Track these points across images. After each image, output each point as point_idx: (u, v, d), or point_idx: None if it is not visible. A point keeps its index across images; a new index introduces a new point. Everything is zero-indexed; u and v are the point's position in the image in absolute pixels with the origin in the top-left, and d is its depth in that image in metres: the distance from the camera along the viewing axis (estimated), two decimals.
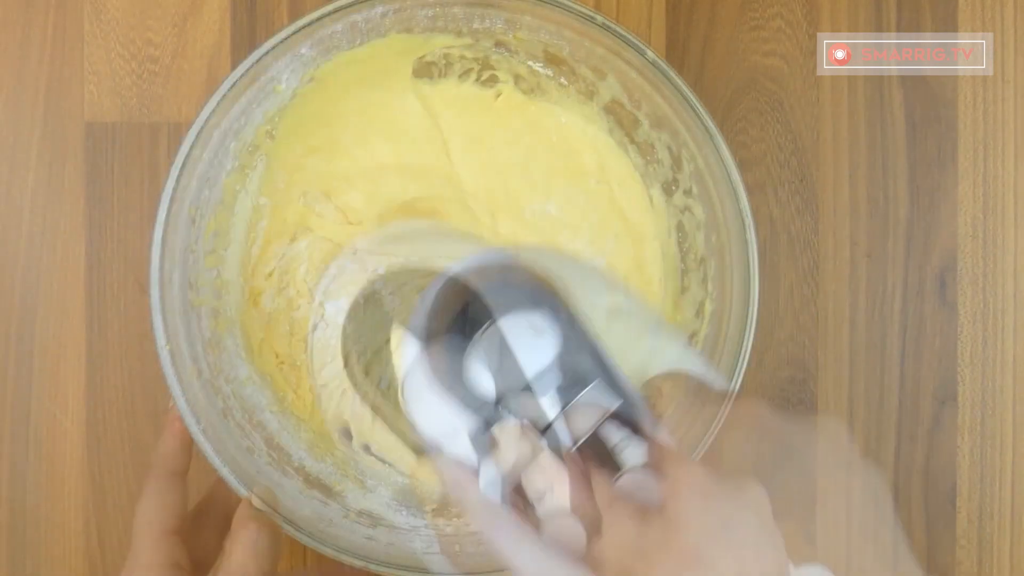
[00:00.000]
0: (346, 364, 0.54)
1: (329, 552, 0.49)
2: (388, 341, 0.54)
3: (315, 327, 0.56)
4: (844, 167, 0.59)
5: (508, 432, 0.34)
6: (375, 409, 0.54)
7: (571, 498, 0.33)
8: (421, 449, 0.35)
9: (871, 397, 0.59)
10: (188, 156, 0.49)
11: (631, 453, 0.33)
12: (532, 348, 0.35)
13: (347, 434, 0.56)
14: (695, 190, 0.53)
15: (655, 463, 0.34)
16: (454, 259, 0.40)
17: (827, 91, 0.60)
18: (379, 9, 0.50)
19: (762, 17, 0.59)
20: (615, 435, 0.34)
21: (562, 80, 0.56)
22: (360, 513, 0.54)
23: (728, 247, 0.51)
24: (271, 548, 0.50)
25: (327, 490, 0.54)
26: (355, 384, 0.54)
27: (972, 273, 0.60)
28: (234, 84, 0.49)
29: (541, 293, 0.37)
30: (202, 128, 0.49)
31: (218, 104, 0.49)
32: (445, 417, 0.34)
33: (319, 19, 0.49)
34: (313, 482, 0.54)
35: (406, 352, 0.35)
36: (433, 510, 0.56)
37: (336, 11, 0.49)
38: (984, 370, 0.60)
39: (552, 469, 0.33)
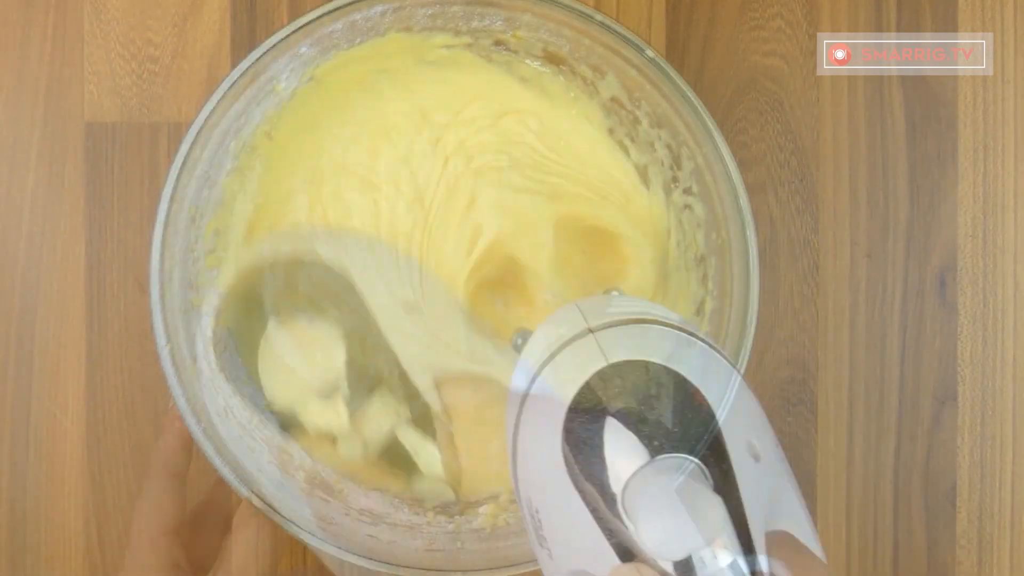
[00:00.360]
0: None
1: (331, 550, 0.49)
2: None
3: None
4: (844, 167, 0.59)
5: (720, 560, 0.33)
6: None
7: None
8: (626, 553, 0.34)
9: (871, 397, 0.59)
10: (188, 156, 0.49)
11: None
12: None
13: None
14: (695, 188, 0.53)
15: None
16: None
17: (827, 91, 0.60)
18: (378, 8, 0.50)
19: (762, 17, 0.59)
20: None
21: (561, 79, 0.56)
22: (362, 511, 0.54)
23: (728, 245, 0.51)
24: (271, 548, 0.50)
25: (328, 488, 0.54)
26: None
27: (972, 273, 0.60)
28: (234, 84, 0.49)
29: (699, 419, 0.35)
30: (202, 128, 0.49)
31: (218, 104, 0.49)
32: (674, 542, 0.33)
33: (319, 18, 0.49)
34: (314, 480, 0.54)
35: (633, 452, 0.33)
36: (435, 508, 0.56)
37: (335, 10, 0.49)
38: (984, 370, 0.60)
39: None
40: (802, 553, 0.35)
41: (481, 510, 0.56)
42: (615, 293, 0.46)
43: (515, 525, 0.54)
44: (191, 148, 0.49)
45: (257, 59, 0.49)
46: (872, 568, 0.59)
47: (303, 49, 0.51)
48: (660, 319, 0.38)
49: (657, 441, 0.33)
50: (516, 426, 0.38)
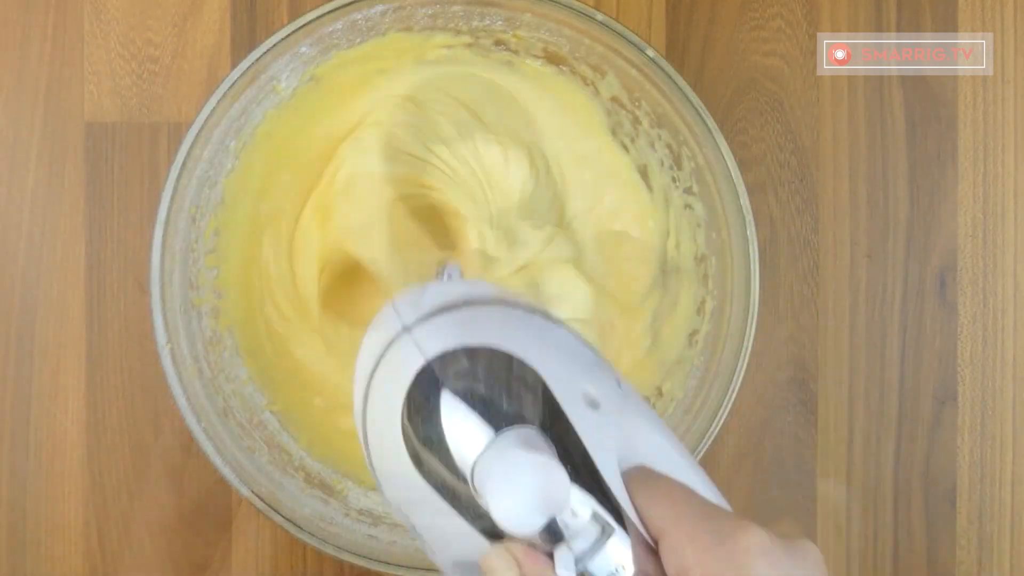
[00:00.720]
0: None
1: (330, 551, 0.49)
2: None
3: None
4: (844, 167, 0.59)
5: (580, 518, 0.33)
6: None
7: (639, 568, 0.33)
8: (495, 534, 0.34)
9: (871, 397, 0.59)
10: (188, 156, 0.49)
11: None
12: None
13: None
14: (695, 188, 0.53)
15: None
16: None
17: (827, 91, 0.60)
18: (379, 8, 0.50)
19: (762, 17, 0.59)
20: (613, 557, 0.33)
21: (561, 78, 0.56)
22: (361, 512, 0.54)
23: (728, 244, 0.51)
24: (271, 548, 0.50)
25: (328, 489, 0.54)
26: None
27: (972, 273, 0.60)
28: (234, 84, 0.49)
29: (525, 386, 0.35)
30: (202, 128, 0.49)
31: (218, 103, 0.49)
32: (526, 515, 0.33)
33: (319, 18, 0.49)
34: (314, 481, 0.54)
35: (472, 436, 0.34)
36: None
37: (336, 10, 0.49)
38: (984, 370, 0.60)
39: (622, 549, 0.33)
40: (659, 480, 0.35)
41: None
42: (448, 271, 0.46)
43: None
44: (191, 148, 0.49)
45: (257, 59, 0.49)
46: (872, 568, 0.59)
47: (303, 49, 0.51)
48: (474, 298, 0.38)
49: (494, 417, 0.34)
50: (365, 439, 0.38)
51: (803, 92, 0.59)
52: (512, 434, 0.34)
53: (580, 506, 0.33)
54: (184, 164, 0.49)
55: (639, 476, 0.35)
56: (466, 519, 0.34)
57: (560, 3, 0.49)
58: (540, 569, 0.33)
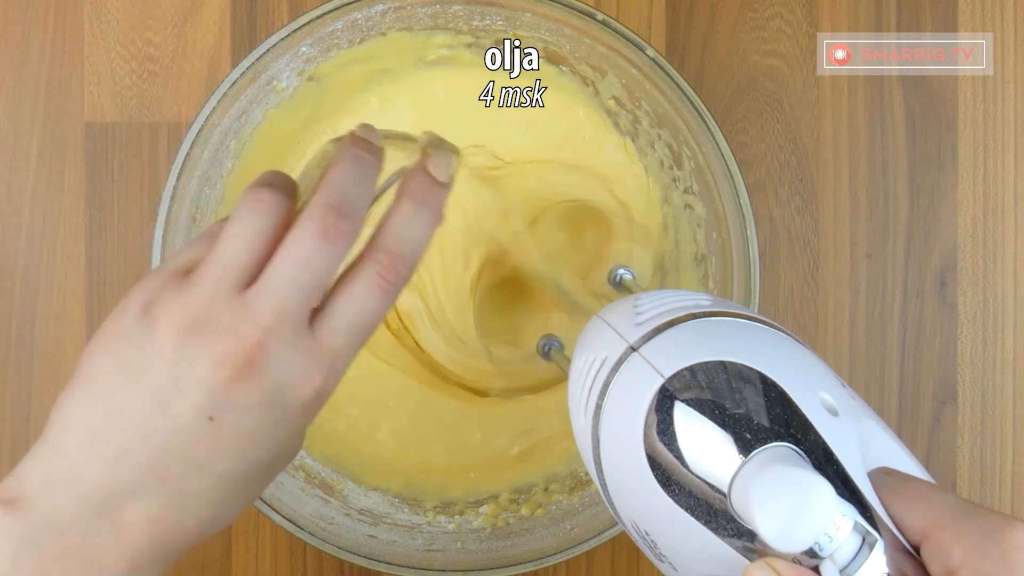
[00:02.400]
0: None
1: (330, 550, 0.49)
2: None
3: None
4: (844, 167, 0.60)
5: (842, 530, 0.32)
6: None
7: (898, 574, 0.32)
8: (752, 550, 0.33)
9: (871, 397, 0.59)
10: (188, 155, 0.49)
11: None
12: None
13: None
14: (696, 187, 0.53)
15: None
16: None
17: (827, 91, 0.60)
18: (379, 7, 0.50)
19: (762, 17, 0.59)
20: (876, 568, 0.32)
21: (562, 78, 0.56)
22: (362, 511, 0.54)
23: (729, 245, 0.51)
24: (271, 548, 0.49)
25: (328, 488, 0.54)
26: None
27: (972, 273, 0.60)
28: (234, 83, 0.49)
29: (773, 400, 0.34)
30: (202, 127, 0.49)
31: (218, 103, 0.49)
32: (795, 532, 0.31)
33: (319, 17, 0.49)
34: (314, 480, 0.54)
35: (722, 454, 0.33)
36: (435, 508, 0.56)
37: (336, 9, 0.49)
38: (984, 370, 0.60)
39: (883, 558, 0.32)
40: (910, 482, 0.34)
41: (481, 510, 0.56)
42: (622, 272, 0.45)
43: (515, 525, 0.54)
44: (192, 148, 0.49)
45: (257, 59, 0.49)
46: None
47: (303, 48, 0.51)
48: (691, 311, 0.37)
49: (740, 433, 0.33)
50: (597, 464, 0.37)
51: (803, 92, 0.59)
52: (769, 452, 0.33)
53: (841, 517, 0.32)
54: (184, 164, 0.49)
55: (886, 479, 0.34)
56: (721, 537, 0.33)
57: (560, 3, 0.49)
58: None
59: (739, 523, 0.33)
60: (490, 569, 0.50)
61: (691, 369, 0.34)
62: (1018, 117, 0.59)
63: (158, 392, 0.34)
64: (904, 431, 0.59)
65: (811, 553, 0.32)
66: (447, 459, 0.57)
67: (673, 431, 0.34)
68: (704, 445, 0.33)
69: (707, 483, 0.33)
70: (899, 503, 0.33)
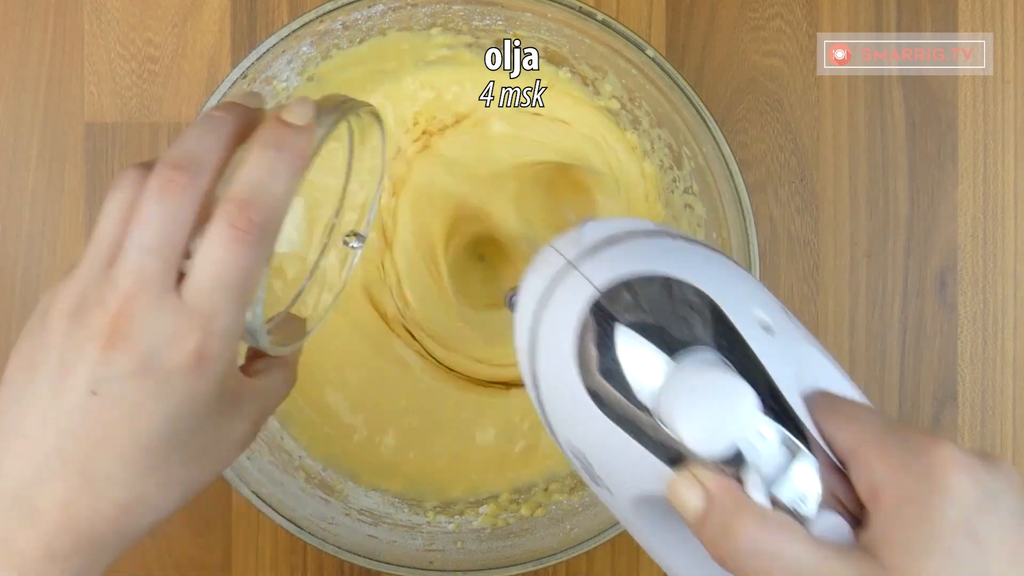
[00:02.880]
0: None
1: (330, 551, 0.49)
2: None
3: None
4: (844, 167, 0.60)
5: (768, 441, 0.32)
6: None
7: (833, 494, 0.32)
8: (679, 462, 0.33)
9: (871, 397, 0.59)
10: None
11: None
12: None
13: None
14: (696, 187, 0.53)
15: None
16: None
17: (827, 91, 0.60)
18: (379, 7, 0.50)
19: (762, 17, 0.59)
20: (801, 478, 0.33)
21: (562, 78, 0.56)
22: (362, 511, 0.54)
23: (729, 245, 0.51)
24: (271, 548, 0.49)
25: (328, 488, 0.54)
26: None
27: (972, 273, 0.60)
28: (234, 83, 0.49)
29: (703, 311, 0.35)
30: None
31: (219, 102, 0.49)
32: (714, 432, 0.32)
33: (319, 17, 0.49)
34: (314, 480, 0.54)
35: (651, 364, 0.33)
36: (435, 507, 0.56)
37: (336, 9, 0.49)
38: (984, 370, 0.60)
39: (811, 469, 0.32)
40: (843, 403, 0.34)
41: (481, 510, 0.56)
42: (587, 222, 0.46)
43: (515, 525, 0.54)
44: None
45: (258, 59, 0.49)
46: None
47: (303, 48, 0.51)
48: (636, 231, 0.38)
49: (670, 343, 0.33)
50: (534, 380, 0.38)
51: (803, 92, 0.59)
52: (694, 357, 0.33)
53: (767, 428, 0.32)
54: None
55: (822, 400, 0.34)
56: (649, 449, 0.33)
57: (560, 3, 0.49)
58: (729, 492, 0.32)
59: (668, 436, 0.33)
60: (490, 569, 0.50)
61: (625, 283, 0.34)
62: (1018, 117, 0.59)
63: (52, 377, 0.34)
64: None
65: (738, 463, 0.32)
66: (449, 461, 0.57)
67: (605, 342, 0.34)
68: (634, 356, 0.34)
69: (636, 394, 0.34)
70: (831, 422, 0.33)
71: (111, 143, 0.59)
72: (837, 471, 0.33)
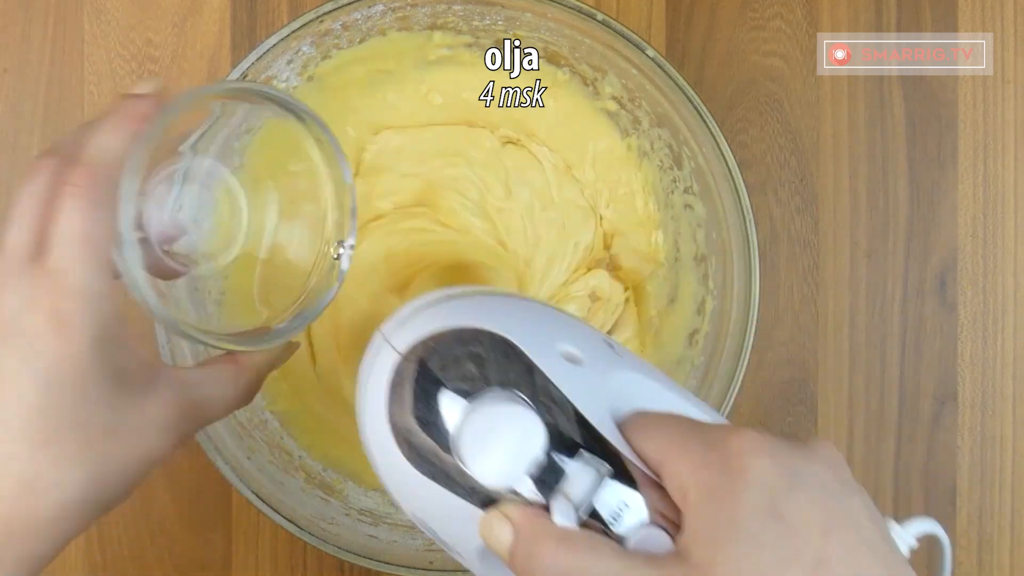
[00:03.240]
0: None
1: (330, 551, 0.49)
2: None
3: None
4: (844, 167, 0.60)
5: (576, 464, 0.33)
6: None
7: (649, 506, 0.32)
8: (487, 500, 0.34)
9: (871, 397, 0.59)
10: None
11: (630, 515, 0.33)
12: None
13: None
14: (696, 187, 0.53)
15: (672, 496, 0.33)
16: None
17: (827, 91, 0.60)
18: (379, 7, 0.50)
19: (762, 17, 0.59)
20: (613, 497, 0.33)
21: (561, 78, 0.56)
22: (362, 511, 0.54)
23: (728, 244, 0.51)
24: (271, 548, 0.49)
25: (328, 488, 0.54)
26: None
27: (972, 273, 0.60)
28: None
29: (502, 354, 0.36)
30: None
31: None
32: (504, 465, 0.33)
33: (319, 17, 0.49)
34: (314, 480, 0.54)
35: (451, 411, 0.35)
36: None
37: (335, 9, 0.49)
38: (984, 370, 0.60)
39: (622, 487, 0.33)
40: (652, 417, 0.34)
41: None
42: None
43: None
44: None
45: (257, 59, 0.49)
46: None
47: (303, 48, 0.51)
48: (451, 294, 0.39)
49: (466, 389, 0.35)
50: (370, 456, 0.39)
51: (803, 92, 0.60)
52: (483, 396, 0.34)
53: (567, 451, 0.33)
54: None
55: (635, 418, 0.34)
56: (465, 498, 0.34)
57: (560, 3, 0.49)
58: (536, 521, 0.32)
59: (473, 479, 0.34)
60: None
61: (424, 341, 0.36)
62: (1018, 117, 0.59)
63: None
64: (904, 431, 0.59)
65: (546, 490, 0.33)
66: None
67: (407, 400, 0.36)
68: (435, 406, 0.35)
69: (440, 443, 0.35)
70: (639, 436, 0.33)
71: None
72: (654, 484, 0.33)
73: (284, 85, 0.53)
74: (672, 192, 0.55)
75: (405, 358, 0.36)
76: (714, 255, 0.53)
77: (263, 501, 0.49)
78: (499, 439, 0.33)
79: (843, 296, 0.60)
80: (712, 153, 0.50)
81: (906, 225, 0.60)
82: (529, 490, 0.33)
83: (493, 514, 0.33)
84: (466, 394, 0.35)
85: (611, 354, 0.38)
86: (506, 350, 0.35)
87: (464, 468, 0.34)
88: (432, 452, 0.35)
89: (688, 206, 0.54)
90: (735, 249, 0.51)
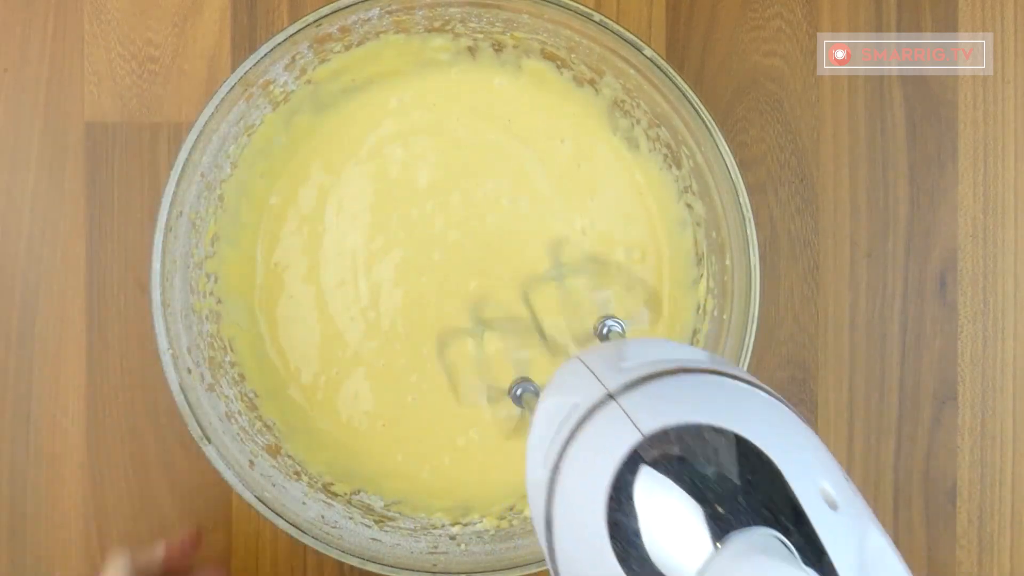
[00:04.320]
0: None
1: (334, 554, 0.49)
2: None
3: None
4: (844, 167, 0.59)
5: None
6: None
7: None
8: None
9: (871, 397, 0.59)
10: (188, 160, 0.49)
11: None
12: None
13: None
14: (695, 187, 0.53)
15: None
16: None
17: (827, 91, 0.60)
18: (377, 10, 0.50)
19: (762, 17, 0.59)
20: None
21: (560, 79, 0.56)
22: (365, 516, 0.54)
23: (728, 243, 0.51)
24: (271, 548, 0.49)
25: (331, 493, 0.54)
26: None
27: (972, 273, 0.60)
28: (232, 87, 0.49)
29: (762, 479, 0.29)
30: (202, 131, 0.49)
31: (217, 107, 0.49)
32: None
33: (318, 20, 0.49)
34: (316, 484, 0.54)
35: (698, 533, 0.28)
36: (439, 511, 0.56)
37: (335, 12, 0.49)
38: (984, 370, 0.60)
39: None
40: None
41: (485, 513, 0.56)
42: (611, 324, 0.40)
43: (518, 527, 0.54)
44: (191, 152, 0.49)
45: (257, 62, 0.49)
46: None
47: (302, 51, 0.51)
48: (684, 364, 0.33)
49: (722, 517, 0.28)
50: (548, 526, 0.33)
51: (803, 92, 0.59)
52: (750, 538, 0.28)
53: None
54: (184, 167, 0.49)
55: None
56: None
57: (558, 4, 0.49)
58: None
59: None
60: (494, 571, 0.50)
61: (675, 429, 0.29)
62: (1018, 117, 0.59)
63: None
64: (904, 431, 0.59)
65: None
66: (480, 489, 0.56)
67: (645, 498, 0.29)
68: (677, 520, 0.29)
69: (671, 563, 0.28)
70: None
71: (111, 143, 0.59)
72: None
73: (282, 89, 0.53)
74: (679, 200, 0.55)
75: (649, 442, 0.29)
76: (714, 255, 0.53)
77: (266, 506, 0.49)
78: None
79: (843, 296, 0.60)
80: (712, 153, 0.50)
81: (906, 225, 0.59)
82: None
83: None
84: (718, 518, 0.28)
85: (854, 494, 0.31)
86: (772, 476, 0.29)
87: None
88: (650, 565, 0.29)
89: (688, 206, 0.54)
90: (735, 249, 0.51)
